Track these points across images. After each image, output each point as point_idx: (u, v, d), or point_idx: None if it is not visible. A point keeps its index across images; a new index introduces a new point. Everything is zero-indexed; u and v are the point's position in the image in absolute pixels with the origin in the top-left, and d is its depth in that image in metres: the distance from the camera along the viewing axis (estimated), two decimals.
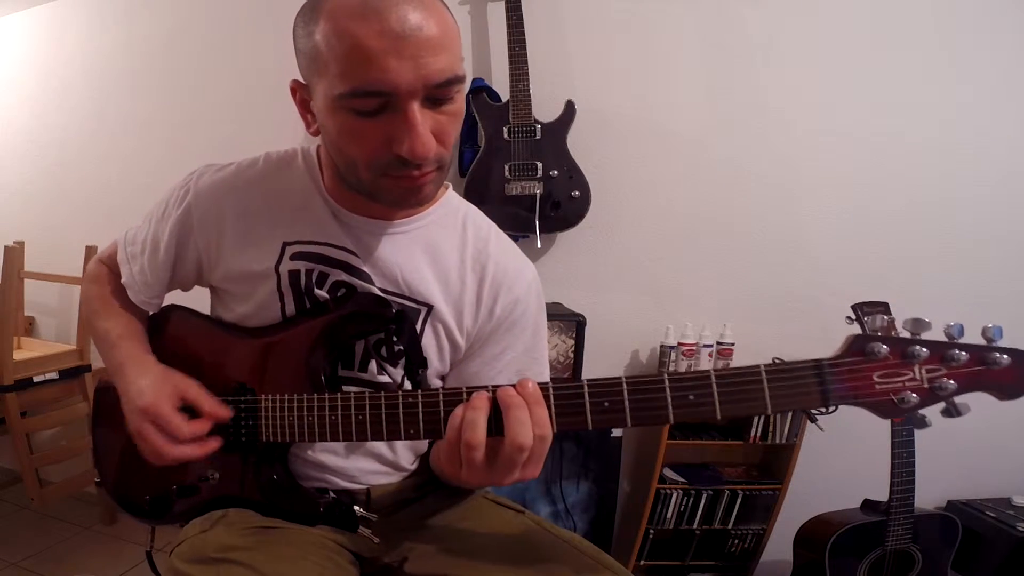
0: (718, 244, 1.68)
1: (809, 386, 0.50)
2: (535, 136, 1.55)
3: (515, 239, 1.63)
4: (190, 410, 0.67)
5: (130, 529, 1.93)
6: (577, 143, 1.59)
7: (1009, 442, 1.64)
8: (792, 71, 1.61)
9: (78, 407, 1.91)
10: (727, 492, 1.55)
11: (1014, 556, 1.41)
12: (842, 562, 1.30)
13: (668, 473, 1.58)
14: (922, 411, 0.50)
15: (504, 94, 1.58)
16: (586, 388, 0.53)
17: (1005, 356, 0.47)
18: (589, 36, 1.67)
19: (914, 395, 0.48)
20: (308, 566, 0.63)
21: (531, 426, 0.52)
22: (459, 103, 0.60)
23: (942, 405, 0.49)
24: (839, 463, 1.64)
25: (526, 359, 0.76)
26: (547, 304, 1.60)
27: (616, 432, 1.43)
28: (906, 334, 0.50)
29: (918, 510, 1.30)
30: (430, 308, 0.71)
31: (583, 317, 1.47)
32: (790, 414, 1.51)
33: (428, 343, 0.73)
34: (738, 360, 1.62)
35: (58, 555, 1.78)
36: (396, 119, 0.56)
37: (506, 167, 1.54)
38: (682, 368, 1.57)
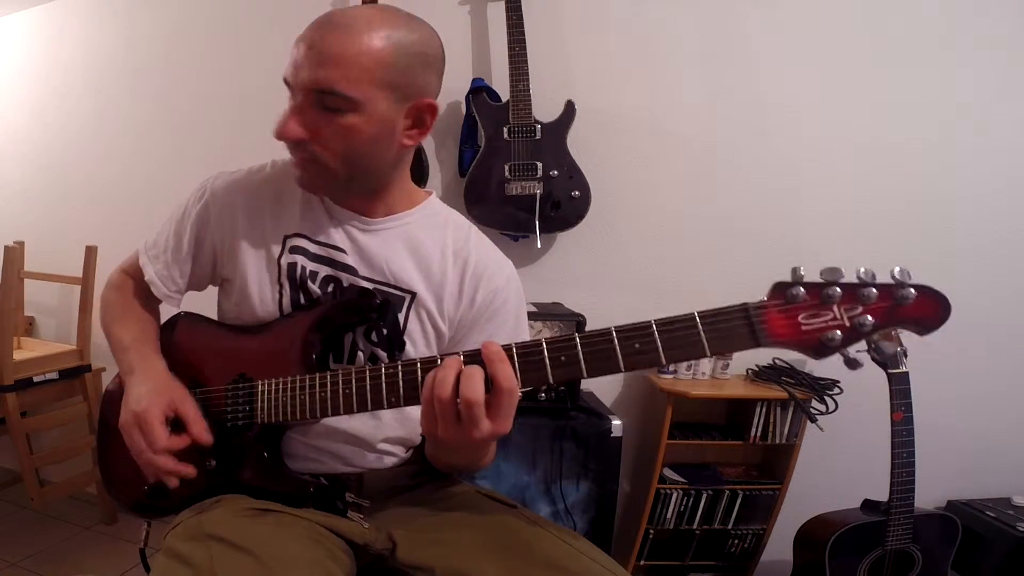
0: (718, 244, 1.68)
1: (739, 328, 0.53)
2: (535, 136, 1.55)
3: (515, 239, 1.64)
4: (180, 423, 0.72)
5: (130, 529, 1.93)
6: (577, 143, 1.59)
7: (1009, 442, 1.64)
8: (792, 71, 1.61)
9: (78, 407, 1.91)
10: (727, 492, 1.55)
11: (1014, 556, 1.41)
12: (842, 562, 1.30)
13: (668, 473, 1.58)
14: (851, 351, 0.53)
15: (504, 94, 1.58)
16: (544, 345, 0.59)
17: (911, 290, 0.51)
18: (589, 36, 1.67)
19: (838, 332, 0.52)
20: (299, 547, 0.65)
21: (480, 382, 0.57)
22: (347, 120, 0.67)
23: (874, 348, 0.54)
24: (839, 463, 1.64)
25: None
26: (547, 304, 1.61)
27: (616, 432, 1.43)
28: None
29: (918, 510, 1.30)
30: (413, 295, 0.78)
31: (583, 317, 1.47)
32: (789, 415, 1.51)
33: (414, 328, 0.79)
34: (738, 360, 1.62)
35: (58, 555, 1.78)
36: None
37: (506, 167, 1.54)
38: (682, 367, 1.58)
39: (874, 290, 0.51)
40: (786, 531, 1.47)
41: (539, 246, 1.59)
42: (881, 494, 1.31)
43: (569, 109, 1.58)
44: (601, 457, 1.54)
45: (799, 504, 1.50)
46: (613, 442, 1.46)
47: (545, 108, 1.59)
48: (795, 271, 0.53)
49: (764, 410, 1.51)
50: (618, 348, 0.56)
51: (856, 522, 1.30)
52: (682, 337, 0.54)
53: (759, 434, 1.53)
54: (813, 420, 1.42)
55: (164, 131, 2.02)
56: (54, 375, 1.82)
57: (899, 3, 1.56)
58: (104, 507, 1.98)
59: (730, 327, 0.53)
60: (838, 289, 0.52)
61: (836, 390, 1.45)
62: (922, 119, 1.58)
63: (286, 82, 0.68)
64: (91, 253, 1.87)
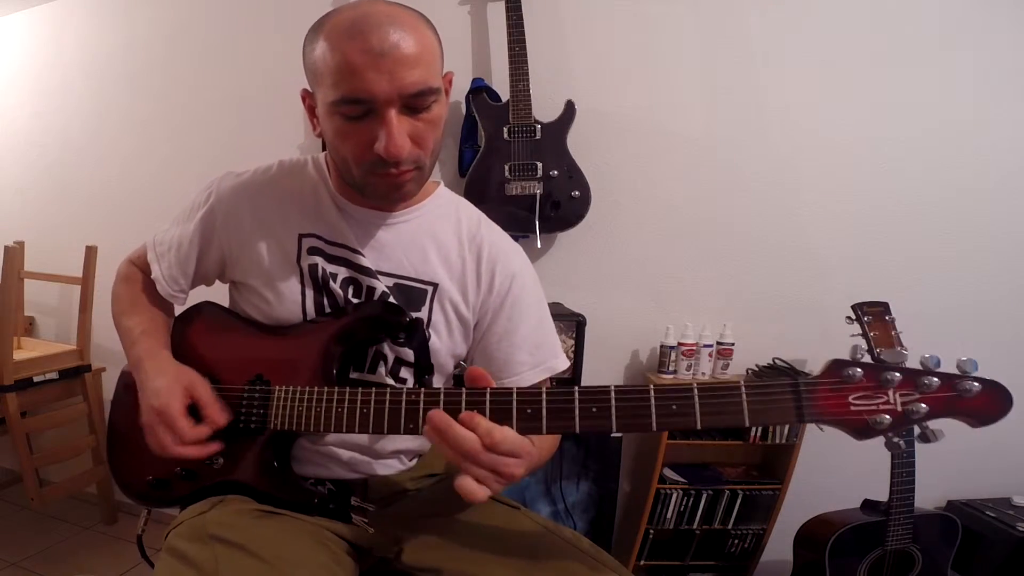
0: (718, 244, 1.68)
1: (785, 403, 0.53)
2: (535, 136, 1.55)
3: (515, 239, 1.64)
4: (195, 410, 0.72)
5: (130, 529, 1.93)
6: (577, 143, 1.59)
7: (1009, 442, 1.64)
8: (792, 71, 1.61)
9: (78, 407, 1.91)
10: (727, 492, 1.55)
11: (1014, 556, 1.41)
12: (842, 562, 1.30)
13: (668, 473, 1.58)
14: (895, 436, 0.52)
15: (504, 94, 1.58)
16: (576, 395, 0.57)
17: (976, 384, 0.50)
18: (589, 36, 1.67)
19: (887, 416, 0.51)
20: (304, 549, 0.65)
21: (476, 482, 0.56)
22: (435, 111, 0.68)
23: (919, 431, 0.52)
24: (839, 463, 1.64)
25: (540, 332, 0.83)
26: (547, 304, 1.61)
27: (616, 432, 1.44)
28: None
29: (918, 510, 1.30)
30: (435, 286, 0.79)
31: (583, 317, 1.47)
32: None
33: (438, 320, 0.79)
34: (738, 360, 1.61)
35: (58, 555, 1.78)
36: (376, 123, 0.65)
37: (506, 167, 1.54)
38: (682, 368, 1.57)
39: (936, 379, 0.50)
40: (786, 531, 1.47)
41: (539, 246, 1.59)
42: (881, 494, 1.31)
43: (569, 109, 1.58)
44: (601, 457, 1.54)
45: (799, 504, 1.50)
46: (613, 442, 1.46)
47: (545, 108, 1.59)
48: (855, 349, 0.52)
49: None
50: (653, 407, 0.55)
51: (856, 522, 1.30)
52: (722, 404, 0.53)
53: (759, 434, 1.53)
54: None
55: (164, 131, 2.03)
56: (54, 375, 1.83)
57: (899, 3, 1.56)
58: (104, 507, 1.98)
59: (775, 402, 0.52)
60: (898, 374, 0.51)
61: None
62: (922, 119, 1.58)
63: (357, 100, 0.63)
64: (91, 253, 1.87)
